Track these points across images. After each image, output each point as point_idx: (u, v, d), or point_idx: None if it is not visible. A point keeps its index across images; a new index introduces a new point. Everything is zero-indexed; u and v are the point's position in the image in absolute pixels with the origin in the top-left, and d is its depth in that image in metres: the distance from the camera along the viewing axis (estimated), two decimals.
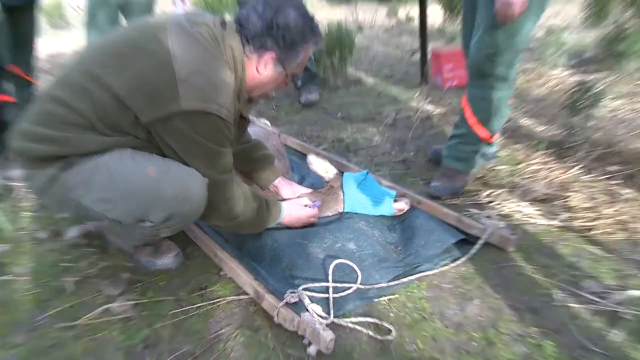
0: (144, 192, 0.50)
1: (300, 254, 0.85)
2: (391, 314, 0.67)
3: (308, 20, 0.52)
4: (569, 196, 0.89)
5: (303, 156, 1.28)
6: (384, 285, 0.76)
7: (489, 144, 1.02)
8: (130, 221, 0.54)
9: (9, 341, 0.61)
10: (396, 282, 0.77)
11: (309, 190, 1.03)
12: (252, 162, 0.95)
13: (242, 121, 0.76)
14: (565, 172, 0.97)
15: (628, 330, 0.49)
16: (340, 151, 1.39)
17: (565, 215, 0.84)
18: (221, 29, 0.55)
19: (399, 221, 1.01)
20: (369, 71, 2.08)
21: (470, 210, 0.96)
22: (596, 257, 0.71)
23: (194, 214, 0.60)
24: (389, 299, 0.72)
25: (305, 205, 0.95)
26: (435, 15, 2.63)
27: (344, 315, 0.71)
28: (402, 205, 1.01)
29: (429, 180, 1.13)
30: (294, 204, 0.91)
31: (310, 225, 0.95)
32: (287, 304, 0.69)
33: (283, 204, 0.90)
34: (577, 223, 0.82)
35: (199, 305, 0.72)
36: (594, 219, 0.80)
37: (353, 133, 1.50)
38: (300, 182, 1.15)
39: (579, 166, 0.99)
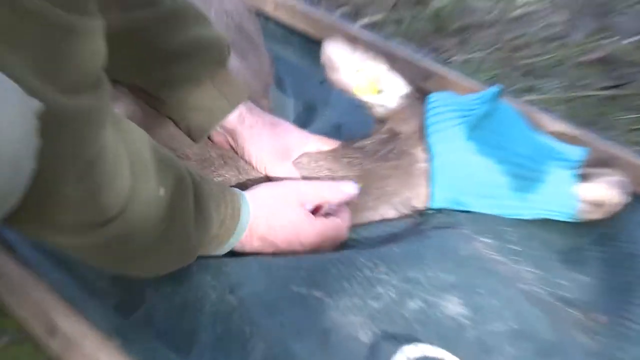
0: None
1: (304, 328, 0.83)
2: None
3: None
4: None
5: (314, 45, 1.27)
6: None
7: None
8: None
9: None
10: None
11: (330, 147, 1.07)
12: (166, 60, 0.97)
13: None
14: None
15: None
16: (420, 32, 1.40)
17: None
18: None
19: (597, 239, 1.00)
20: None
21: None
22: None
23: None
24: None
25: (314, 211, 0.98)
26: None
27: None
28: (604, 192, 0.99)
29: None
30: (282, 194, 0.95)
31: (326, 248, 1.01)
32: None
33: (249, 194, 0.92)
34: None
35: None
36: None
37: None
38: (305, 122, 1.17)
39: None
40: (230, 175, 1.00)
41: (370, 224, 1.05)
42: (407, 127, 1.06)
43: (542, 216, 1.03)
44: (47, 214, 0.66)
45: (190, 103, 0.99)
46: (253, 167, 1.02)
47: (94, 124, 0.65)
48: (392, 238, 1.01)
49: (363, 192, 1.02)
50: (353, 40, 1.06)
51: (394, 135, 1.06)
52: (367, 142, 1.07)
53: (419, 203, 1.07)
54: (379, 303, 0.88)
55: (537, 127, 1.11)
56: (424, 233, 1.00)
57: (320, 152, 1.06)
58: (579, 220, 1.02)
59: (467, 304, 0.89)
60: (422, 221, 1.04)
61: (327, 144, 1.06)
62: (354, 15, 1.51)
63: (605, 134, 1.15)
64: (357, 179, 1.03)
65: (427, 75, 1.26)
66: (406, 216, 1.06)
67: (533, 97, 1.29)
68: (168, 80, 0.97)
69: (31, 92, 0.56)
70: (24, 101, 0.56)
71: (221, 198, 0.85)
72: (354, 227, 1.02)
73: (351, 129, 1.15)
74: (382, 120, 1.07)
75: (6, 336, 0.90)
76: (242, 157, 1.03)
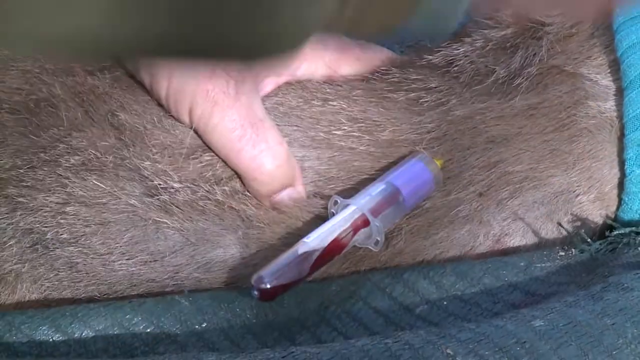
0: None
1: None
2: None
3: None
4: None
5: None
6: None
7: None
8: None
9: None
10: None
11: (364, 63, 0.66)
12: None
13: None
14: None
15: None
16: None
17: None
18: None
19: None
20: None
21: None
22: None
23: None
24: None
25: None
26: None
27: None
28: None
29: None
30: None
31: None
32: None
33: None
34: None
35: None
36: None
37: None
38: None
39: None
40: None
41: (467, 257, 0.59)
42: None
43: None
44: None
45: None
46: (165, 105, 0.57)
47: None
48: (523, 299, 0.57)
49: (452, 178, 0.57)
50: None
51: (528, 31, 0.58)
52: (458, 49, 0.58)
53: (595, 206, 0.58)
54: None
55: None
56: (611, 290, 0.54)
57: (337, 78, 0.59)
58: None
59: None
60: (599, 257, 0.57)
61: (356, 57, 0.60)
62: None
63: None
64: (434, 147, 0.57)
65: None
66: (557, 241, 0.59)
67: None
68: None
69: None
70: None
71: None
72: (424, 268, 0.57)
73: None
74: None
75: None
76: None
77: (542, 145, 0.54)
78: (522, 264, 0.57)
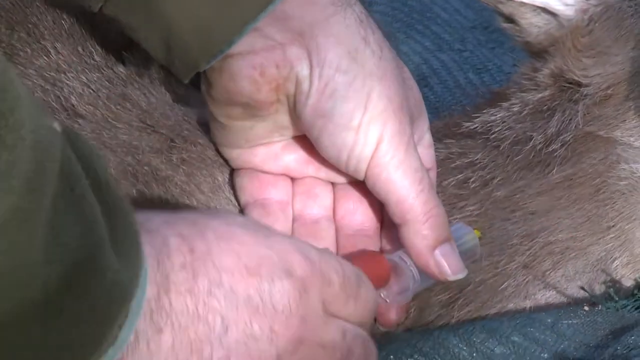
0: None
1: None
2: None
3: None
4: None
5: None
6: None
7: None
8: None
9: None
10: None
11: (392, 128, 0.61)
12: None
13: None
14: None
15: None
16: None
17: None
18: None
19: None
20: None
21: None
22: None
23: None
24: None
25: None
26: None
27: None
28: None
29: None
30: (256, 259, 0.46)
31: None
32: None
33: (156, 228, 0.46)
34: None
35: None
36: None
37: None
38: None
39: None
40: None
41: (503, 318, 0.58)
42: (602, 70, 0.57)
43: None
44: None
45: None
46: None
47: None
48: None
49: (498, 246, 0.57)
50: None
51: (566, 93, 0.56)
52: (495, 115, 0.57)
53: (627, 270, 0.58)
54: None
55: None
56: None
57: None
58: None
59: None
60: (625, 314, 0.58)
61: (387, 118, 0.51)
62: None
63: None
64: (472, 220, 0.56)
65: None
66: (590, 304, 0.59)
67: None
68: None
69: None
70: None
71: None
72: (453, 326, 0.59)
73: (454, 80, 0.75)
74: (539, 53, 0.60)
75: None
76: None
77: (578, 212, 0.54)
78: (549, 320, 0.57)
